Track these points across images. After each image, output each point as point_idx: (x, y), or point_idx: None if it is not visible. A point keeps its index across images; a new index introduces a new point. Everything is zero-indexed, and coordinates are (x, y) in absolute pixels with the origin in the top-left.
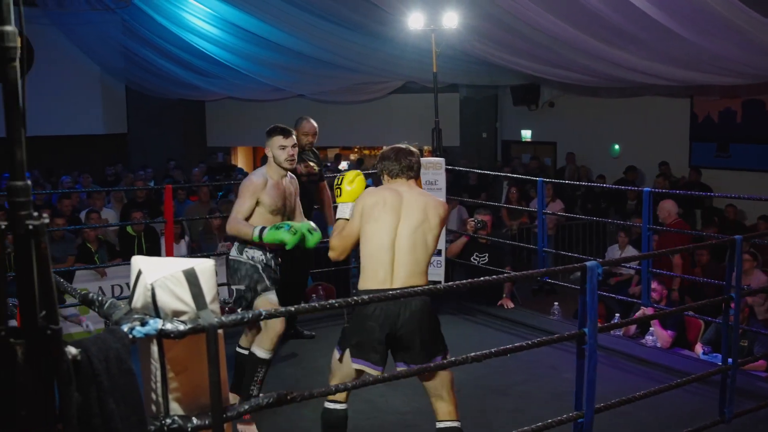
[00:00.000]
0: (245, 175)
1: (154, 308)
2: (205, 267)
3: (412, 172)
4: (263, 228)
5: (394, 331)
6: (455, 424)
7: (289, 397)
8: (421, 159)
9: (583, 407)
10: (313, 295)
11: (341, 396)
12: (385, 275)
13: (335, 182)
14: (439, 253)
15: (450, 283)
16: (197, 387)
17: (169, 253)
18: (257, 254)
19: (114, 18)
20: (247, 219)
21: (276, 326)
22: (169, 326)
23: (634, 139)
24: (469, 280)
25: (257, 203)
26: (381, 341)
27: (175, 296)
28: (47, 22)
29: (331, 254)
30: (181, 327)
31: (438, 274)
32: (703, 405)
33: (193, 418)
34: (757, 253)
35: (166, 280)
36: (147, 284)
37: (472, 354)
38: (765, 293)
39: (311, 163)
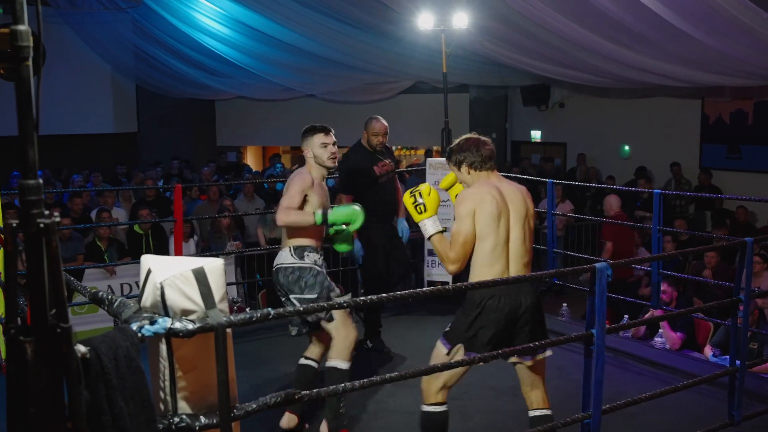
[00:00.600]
0: (254, 174)
1: (163, 307)
2: (214, 266)
3: (492, 161)
4: (326, 209)
5: (515, 322)
6: (548, 412)
7: (297, 396)
8: (430, 159)
9: (590, 408)
10: None
11: (441, 397)
12: (502, 269)
13: (408, 200)
14: None
15: (459, 284)
16: (205, 386)
17: (178, 252)
18: (318, 258)
19: (125, 17)
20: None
21: (352, 333)
22: (177, 325)
23: (645, 140)
24: (479, 281)
25: (305, 201)
26: (501, 332)
27: (184, 295)
28: (59, 21)
29: (452, 268)
30: (190, 326)
31: (446, 274)
32: (712, 407)
33: (201, 416)
34: None
35: (175, 279)
36: (156, 283)
37: (479, 354)
38: None
39: (387, 161)
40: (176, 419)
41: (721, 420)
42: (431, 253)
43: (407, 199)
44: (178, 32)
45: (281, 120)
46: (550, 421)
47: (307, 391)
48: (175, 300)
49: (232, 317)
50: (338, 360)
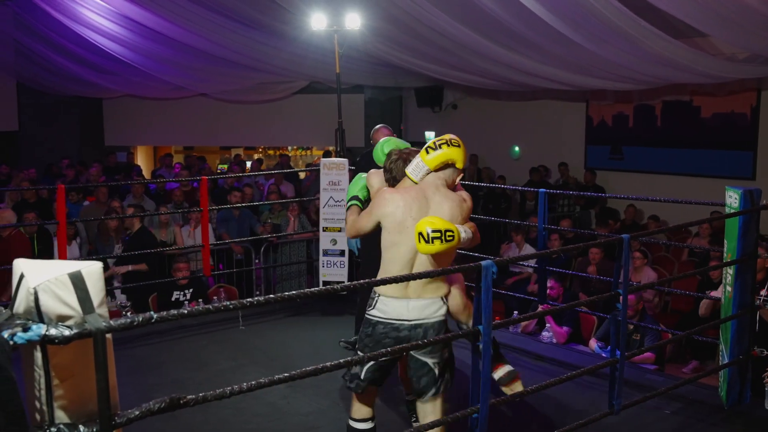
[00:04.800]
0: (141, 175)
1: (37, 313)
2: (92, 270)
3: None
4: None
5: None
6: None
7: (182, 402)
8: (325, 159)
9: (478, 402)
10: (215, 298)
11: None
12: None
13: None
14: (342, 253)
15: (349, 283)
16: (84, 394)
17: (62, 256)
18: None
19: (5, 10)
20: None
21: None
22: (53, 331)
23: (534, 141)
24: (370, 279)
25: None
26: None
27: (60, 300)
28: None
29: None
30: (66, 332)
31: (341, 274)
32: (595, 398)
33: (80, 425)
34: (648, 251)
35: (50, 284)
36: (30, 288)
37: (368, 354)
38: (652, 289)
39: None
40: (53, 429)
41: (603, 409)
42: (326, 253)
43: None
44: (63, 28)
45: (173, 119)
46: None
47: (193, 396)
48: (50, 305)
49: (112, 322)
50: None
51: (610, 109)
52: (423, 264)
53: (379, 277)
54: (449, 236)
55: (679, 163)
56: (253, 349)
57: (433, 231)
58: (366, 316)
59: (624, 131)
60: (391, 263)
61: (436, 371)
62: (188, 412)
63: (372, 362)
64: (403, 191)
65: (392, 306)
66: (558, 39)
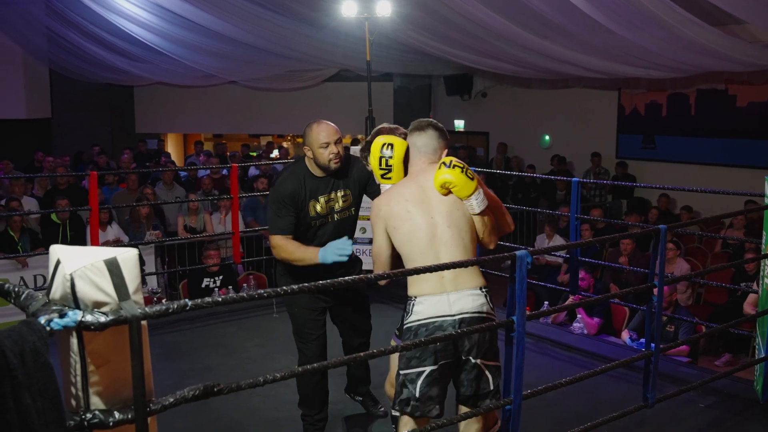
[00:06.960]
0: (172, 161)
1: (73, 299)
2: (127, 256)
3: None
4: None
5: None
6: None
7: (216, 389)
8: (354, 148)
9: (511, 394)
10: (244, 285)
11: None
12: None
13: (457, 173)
14: (371, 242)
15: (383, 273)
16: (120, 380)
17: (95, 242)
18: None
19: None
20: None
21: None
22: (89, 318)
23: (564, 130)
24: (401, 270)
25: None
26: None
27: (95, 286)
28: None
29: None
30: (102, 318)
31: (370, 263)
32: (629, 390)
33: (115, 412)
34: (680, 242)
35: (86, 270)
36: (66, 274)
37: (402, 344)
38: (687, 281)
39: (341, 192)
40: (89, 415)
41: (637, 402)
42: (355, 241)
43: (450, 174)
44: (94, 15)
45: (203, 107)
46: None
47: (226, 384)
48: (86, 292)
49: (147, 309)
50: None
51: (643, 98)
52: (448, 255)
53: (411, 285)
54: (470, 174)
55: (714, 153)
56: (282, 336)
57: (457, 161)
58: (404, 327)
59: (657, 120)
60: (413, 263)
61: (489, 376)
62: (218, 399)
63: (425, 374)
64: (388, 191)
65: (430, 303)
66: (591, 25)
